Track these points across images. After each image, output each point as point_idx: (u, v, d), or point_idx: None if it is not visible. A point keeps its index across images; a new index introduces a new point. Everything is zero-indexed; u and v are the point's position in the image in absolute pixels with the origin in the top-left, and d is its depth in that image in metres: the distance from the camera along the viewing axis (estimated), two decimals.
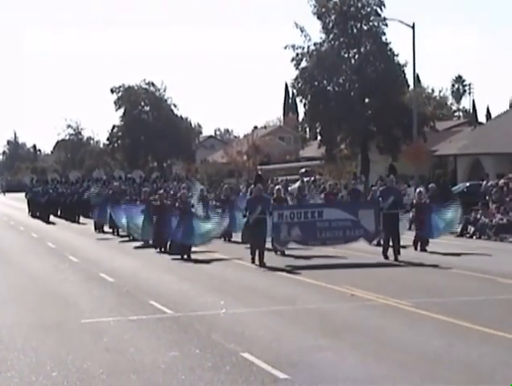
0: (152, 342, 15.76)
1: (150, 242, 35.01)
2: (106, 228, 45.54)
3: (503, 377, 12.37)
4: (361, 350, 14.52)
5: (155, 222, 33.97)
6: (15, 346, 15.72)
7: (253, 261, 27.71)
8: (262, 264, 27.22)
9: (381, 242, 29.26)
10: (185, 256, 30.00)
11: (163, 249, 32.84)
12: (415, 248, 31.23)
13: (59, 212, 59.78)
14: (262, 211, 28.05)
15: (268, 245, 28.78)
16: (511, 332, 15.43)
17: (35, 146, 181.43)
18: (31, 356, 14.71)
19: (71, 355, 14.60)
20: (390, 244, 28.36)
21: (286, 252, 29.74)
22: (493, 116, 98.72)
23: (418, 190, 32.93)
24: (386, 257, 28.21)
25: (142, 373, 13.15)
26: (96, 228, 46.43)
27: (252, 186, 35.26)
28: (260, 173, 32.42)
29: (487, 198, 41.10)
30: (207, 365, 13.50)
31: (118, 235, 42.58)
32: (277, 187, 31.76)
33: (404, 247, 29.72)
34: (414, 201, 31.91)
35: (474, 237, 36.72)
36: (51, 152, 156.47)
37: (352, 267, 26.61)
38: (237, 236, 35.62)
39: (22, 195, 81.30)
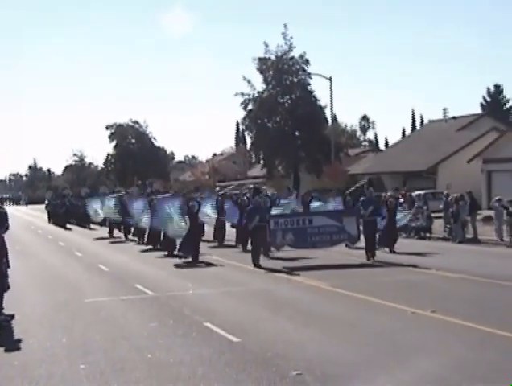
0: (137, 316, 15.70)
1: None
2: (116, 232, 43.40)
3: (399, 337, 12.55)
4: (294, 319, 14.53)
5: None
6: (34, 319, 15.60)
7: (254, 264, 24.67)
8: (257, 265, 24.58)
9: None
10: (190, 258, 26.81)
11: (171, 252, 29.03)
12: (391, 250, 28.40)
13: (73, 220, 58.56)
14: (261, 219, 25.23)
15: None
16: (402, 303, 15.57)
17: (49, 170, 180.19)
18: (47, 327, 14.63)
19: (76, 326, 14.54)
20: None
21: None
22: (390, 144, 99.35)
23: (390, 200, 30.31)
24: (373, 259, 25.55)
25: (130, 339, 13.09)
26: (110, 232, 43.63)
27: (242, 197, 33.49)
28: (257, 186, 29.85)
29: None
30: (179, 332, 13.47)
31: (127, 238, 40.00)
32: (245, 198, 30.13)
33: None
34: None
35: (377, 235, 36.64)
36: (62, 174, 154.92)
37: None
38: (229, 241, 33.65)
39: (41, 206, 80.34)
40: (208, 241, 33.42)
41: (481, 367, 10.51)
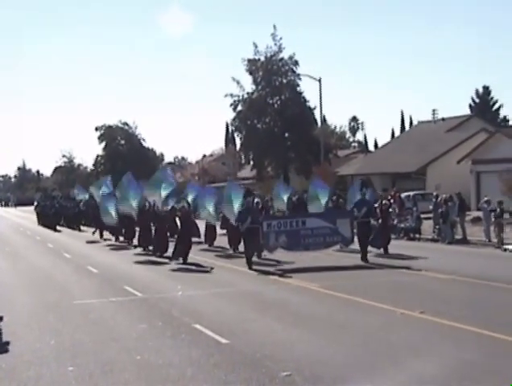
0: (127, 318, 15.70)
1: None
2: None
3: (387, 338, 12.58)
4: (282, 320, 14.56)
5: (156, 230, 30.51)
6: (23, 321, 15.58)
7: (248, 266, 24.37)
8: (250, 267, 24.25)
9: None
10: (181, 259, 26.49)
11: (163, 254, 29.07)
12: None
13: (63, 222, 58.11)
14: (253, 221, 24.86)
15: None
16: (391, 304, 15.63)
17: (38, 171, 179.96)
18: (35, 329, 14.61)
19: (65, 328, 14.51)
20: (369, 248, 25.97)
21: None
22: (379, 145, 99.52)
23: (384, 201, 30.10)
24: (367, 260, 25.30)
25: (119, 341, 13.08)
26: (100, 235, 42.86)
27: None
28: (248, 188, 28.55)
29: (375, 205, 41.37)
30: (168, 334, 13.48)
31: (118, 240, 39.42)
32: (256, 200, 29.24)
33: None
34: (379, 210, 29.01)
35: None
36: (51, 175, 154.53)
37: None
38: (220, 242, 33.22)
39: (29, 208, 79.92)
40: (199, 243, 33.23)
41: (468, 367, 10.54)
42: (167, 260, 27.26)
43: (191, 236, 27.84)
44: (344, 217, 26.47)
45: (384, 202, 29.99)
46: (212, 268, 24.89)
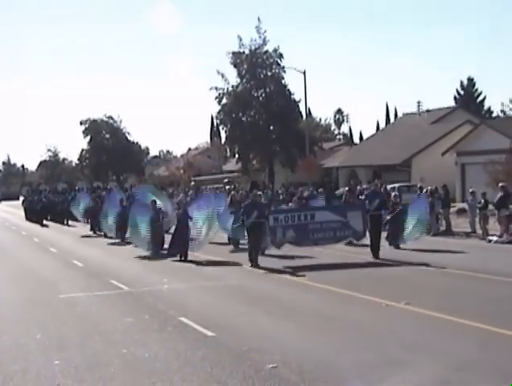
0: (113, 311, 15.68)
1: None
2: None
3: (373, 330, 12.64)
4: (270, 314, 14.57)
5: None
6: (9, 316, 15.54)
7: (252, 263, 23.10)
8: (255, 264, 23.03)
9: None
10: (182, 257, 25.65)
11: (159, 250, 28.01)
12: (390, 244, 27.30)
13: (50, 217, 57.37)
14: (258, 215, 23.42)
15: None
16: (377, 296, 15.69)
17: (23, 165, 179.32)
18: (21, 324, 14.55)
19: (52, 323, 14.48)
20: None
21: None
22: (364, 138, 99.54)
23: (393, 193, 29.50)
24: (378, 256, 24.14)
25: (105, 334, 13.06)
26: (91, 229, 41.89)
27: (232, 192, 31.89)
28: (255, 180, 26.69)
29: (360, 197, 41.43)
30: (154, 327, 13.47)
31: (106, 236, 37.96)
32: (240, 192, 28.14)
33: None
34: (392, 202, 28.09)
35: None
36: (36, 170, 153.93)
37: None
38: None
39: (15, 202, 79.43)
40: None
41: (456, 359, 10.57)
42: (154, 255, 27.25)
43: (187, 231, 26.99)
44: (356, 210, 25.17)
45: (394, 194, 29.60)
46: (199, 262, 24.91)
